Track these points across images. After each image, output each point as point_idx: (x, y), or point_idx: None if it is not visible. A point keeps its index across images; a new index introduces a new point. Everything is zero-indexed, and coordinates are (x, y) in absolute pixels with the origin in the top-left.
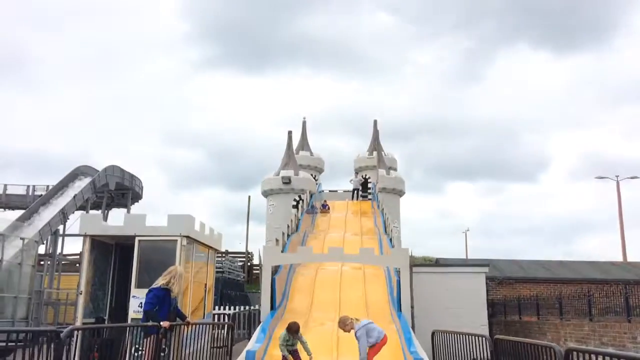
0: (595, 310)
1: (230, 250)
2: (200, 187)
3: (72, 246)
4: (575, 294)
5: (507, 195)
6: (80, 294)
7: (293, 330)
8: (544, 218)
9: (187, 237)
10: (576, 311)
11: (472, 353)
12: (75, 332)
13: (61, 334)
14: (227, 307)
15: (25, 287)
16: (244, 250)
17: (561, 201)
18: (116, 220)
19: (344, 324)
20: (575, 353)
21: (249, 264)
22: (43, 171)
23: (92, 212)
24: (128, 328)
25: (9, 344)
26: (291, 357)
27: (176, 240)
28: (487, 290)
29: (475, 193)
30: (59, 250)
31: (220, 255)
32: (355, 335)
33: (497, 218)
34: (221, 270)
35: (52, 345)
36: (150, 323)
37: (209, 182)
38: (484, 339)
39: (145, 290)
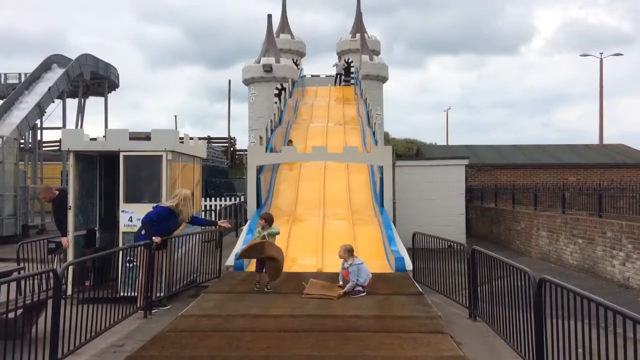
0: (569, 194)
1: (212, 133)
2: (177, 65)
3: (52, 134)
4: (551, 185)
5: (489, 68)
6: (70, 209)
7: (266, 219)
8: (524, 90)
9: (172, 151)
10: (550, 202)
11: (450, 257)
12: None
13: (58, 272)
14: (212, 198)
15: (10, 184)
16: (226, 135)
17: (542, 74)
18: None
19: (344, 252)
20: (548, 284)
21: (231, 149)
22: (14, 50)
23: (69, 100)
24: (120, 243)
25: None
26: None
27: (161, 155)
28: (466, 178)
29: (457, 67)
30: (38, 140)
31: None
32: (347, 268)
33: (478, 91)
34: (204, 159)
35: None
36: (141, 243)
37: (187, 60)
38: (462, 247)
39: (134, 205)
